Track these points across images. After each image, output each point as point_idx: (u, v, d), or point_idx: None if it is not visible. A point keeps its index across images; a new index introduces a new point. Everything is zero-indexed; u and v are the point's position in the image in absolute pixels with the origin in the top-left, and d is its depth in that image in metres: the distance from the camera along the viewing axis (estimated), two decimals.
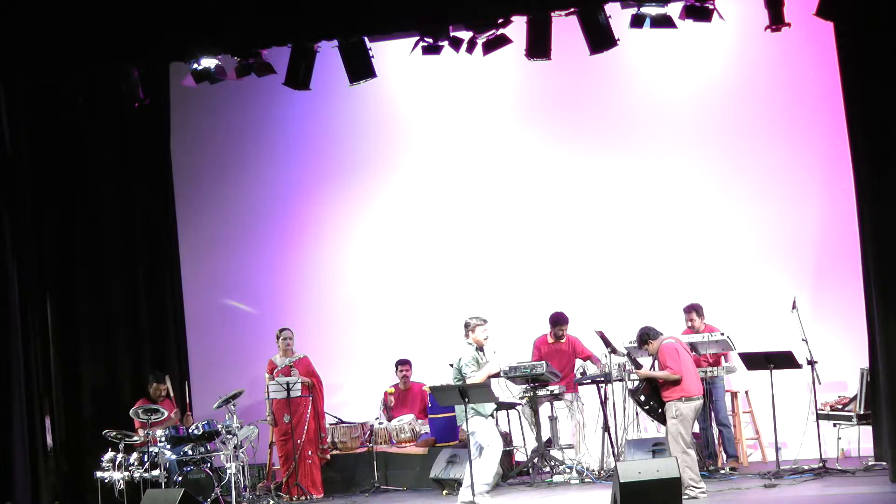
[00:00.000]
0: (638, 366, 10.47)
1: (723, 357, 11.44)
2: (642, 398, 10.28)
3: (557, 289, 12.70)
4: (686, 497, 9.50)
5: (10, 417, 11.02)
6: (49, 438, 11.83)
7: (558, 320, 11.92)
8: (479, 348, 10.39)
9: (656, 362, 10.33)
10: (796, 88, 12.22)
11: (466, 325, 10.43)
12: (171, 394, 12.00)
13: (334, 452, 12.24)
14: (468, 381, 10.17)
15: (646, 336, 10.27)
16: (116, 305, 12.55)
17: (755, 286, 12.25)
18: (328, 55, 10.82)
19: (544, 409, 11.81)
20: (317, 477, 11.86)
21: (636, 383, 10.64)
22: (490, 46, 10.67)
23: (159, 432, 11.14)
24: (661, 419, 10.22)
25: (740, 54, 12.33)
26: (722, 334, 11.11)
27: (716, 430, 11.44)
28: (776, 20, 10.11)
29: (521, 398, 11.82)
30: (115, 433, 11.08)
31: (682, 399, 9.96)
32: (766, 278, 12.26)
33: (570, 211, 12.96)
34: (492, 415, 10.35)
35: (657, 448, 10.87)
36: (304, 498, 11.64)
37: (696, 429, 10.86)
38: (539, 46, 10.44)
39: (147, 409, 11.15)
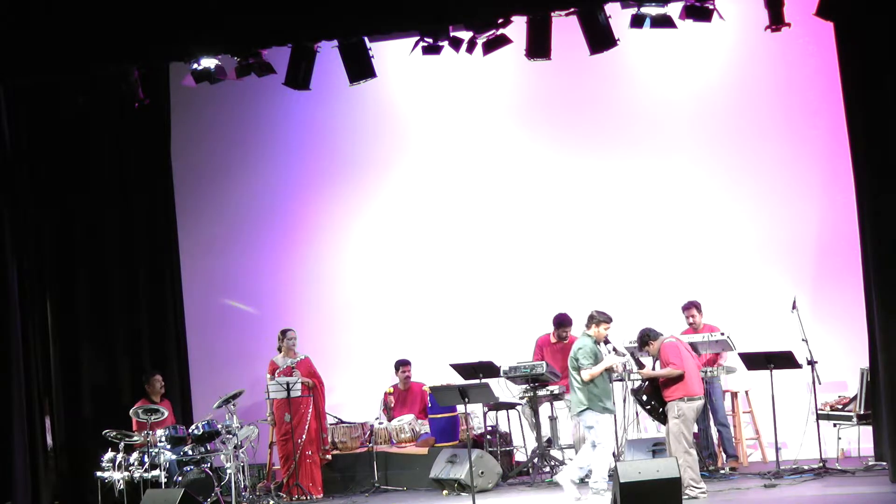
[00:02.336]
0: (641, 365, 10.47)
1: (718, 356, 11.42)
2: (644, 398, 10.28)
3: (557, 288, 12.70)
4: (686, 497, 9.50)
5: (10, 417, 11.03)
6: (49, 438, 11.83)
7: (563, 322, 11.91)
8: (597, 342, 10.35)
9: (657, 363, 10.33)
10: (796, 88, 12.21)
11: (591, 318, 10.35)
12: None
13: (334, 452, 12.24)
14: (583, 373, 10.15)
15: (646, 337, 10.27)
16: (116, 305, 12.55)
17: (755, 286, 12.25)
18: (328, 55, 10.82)
19: (544, 409, 11.81)
20: (317, 477, 11.86)
21: (637, 383, 10.64)
22: (490, 46, 10.66)
23: (159, 432, 11.14)
24: (662, 419, 10.22)
25: (740, 54, 12.33)
26: (722, 334, 11.11)
27: (715, 431, 11.44)
28: (776, 20, 10.11)
29: (521, 398, 11.83)
30: (115, 433, 11.09)
31: (684, 399, 9.97)
32: (766, 278, 12.26)
33: (570, 210, 12.95)
34: (612, 412, 10.34)
35: (657, 448, 10.86)
36: (304, 498, 11.64)
37: (696, 429, 10.85)
38: (539, 46, 10.44)
39: (147, 409, 11.15)
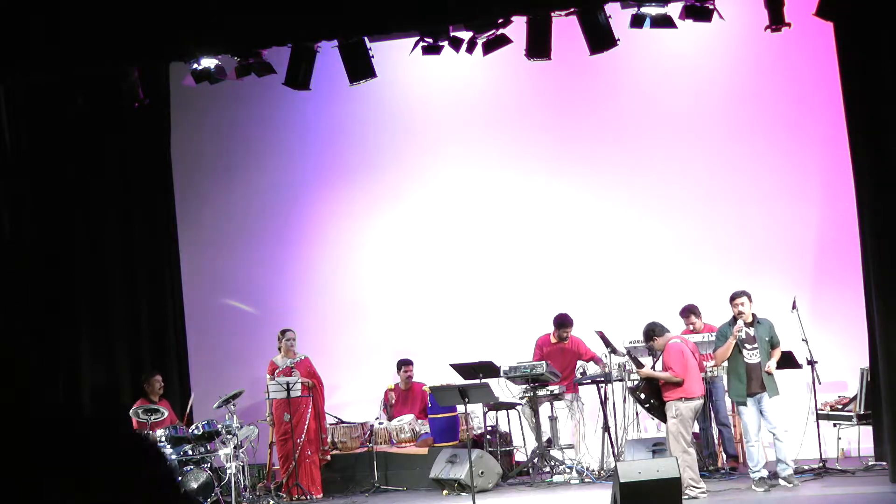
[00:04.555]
0: (639, 365, 10.47)
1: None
2: (642, 396, 10.29)
3: (558, 288, 12.70)
4: (686, 497, 9.50)
5: None
6: None
7: (563, 322, 11.91)
8: (737, 317, 10.32)
9: (659, 360, 10.32)
10: (796, 88, 12.22)
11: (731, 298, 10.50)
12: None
13: (334, 452, 12.24)
14: (716, 352, 10.30)
15: (651, 332, 10.25)
16: (116, 305, 12.55)
17: (755, 287, 12.20)
18: (328, 55, 10.82)
19: (544, 409, 11.81)
20: (317, 477, 11.86)
21: (636, 381, 10.64)
22: (490, 46, 10.66)
23: (159, 432, 11.14)
24: (662, 416, 10.21)
25: (740, 54, 12.33)
26: None
27: (716, 430, 11.44)
28: (776, 20, 10.10)
29: (521, 398, 11.83)
30: None
31: (681, 399, 9.97)
32: (766, 278, 12.25)
33: (571, 211, 12.95)
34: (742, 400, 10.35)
35: (657, 448, 10.86)
36: (304, 498, 11.64)
37: (696, 429, 10.86)
38: (539, 46, 10.44)
39: (147, 410, 11.14)
